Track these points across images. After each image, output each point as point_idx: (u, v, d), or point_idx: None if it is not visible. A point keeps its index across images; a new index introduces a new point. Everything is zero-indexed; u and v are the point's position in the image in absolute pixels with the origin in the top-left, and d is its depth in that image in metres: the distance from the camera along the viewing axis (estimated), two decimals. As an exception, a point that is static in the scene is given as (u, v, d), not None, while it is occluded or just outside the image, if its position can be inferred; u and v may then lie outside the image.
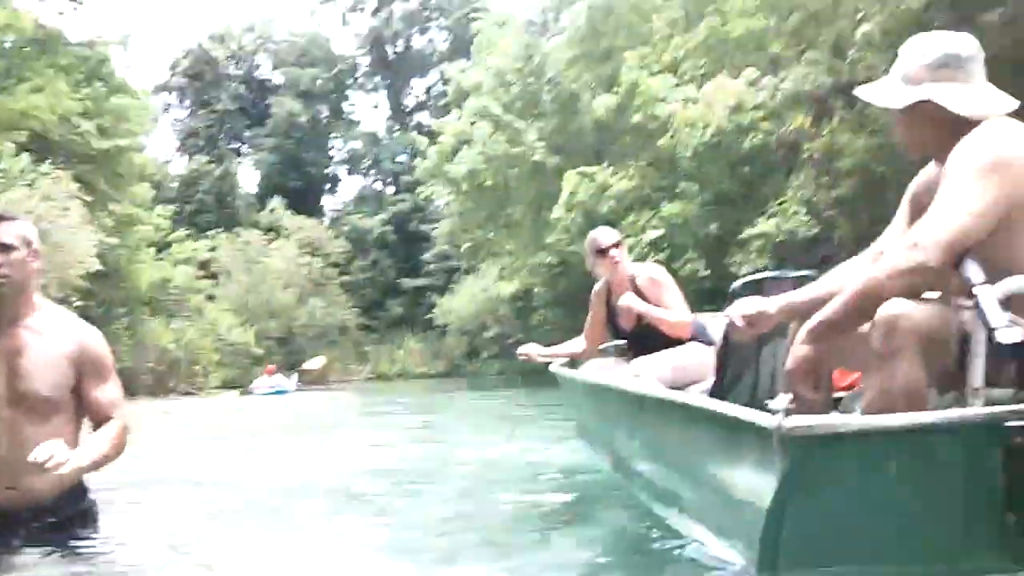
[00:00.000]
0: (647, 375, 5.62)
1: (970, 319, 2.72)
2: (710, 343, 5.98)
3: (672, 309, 5.87)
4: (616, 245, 6.09)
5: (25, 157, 22.58)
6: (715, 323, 6.61)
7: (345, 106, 62.37)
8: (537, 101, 30.50)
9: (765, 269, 14.49)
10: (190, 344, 32.67)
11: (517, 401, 15.79)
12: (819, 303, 3.17)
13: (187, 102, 58.66)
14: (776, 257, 16.84)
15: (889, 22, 13.69)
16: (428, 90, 61.92)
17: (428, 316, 46.21)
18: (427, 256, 51.21)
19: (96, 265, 23.11)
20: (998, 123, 2.90)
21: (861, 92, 3.31)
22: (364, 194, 59.43)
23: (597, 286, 6.28)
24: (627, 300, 5.78)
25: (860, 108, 15.74)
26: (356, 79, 62.27)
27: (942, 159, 2.99)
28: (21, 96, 25.83)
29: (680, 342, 5.81)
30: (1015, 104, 2.99)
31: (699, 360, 5.71)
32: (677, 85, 21.29)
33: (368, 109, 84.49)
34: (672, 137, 19.97)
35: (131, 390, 26.07)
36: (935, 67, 3.07)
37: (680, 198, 20.97)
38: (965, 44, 3.10)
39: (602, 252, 6.06)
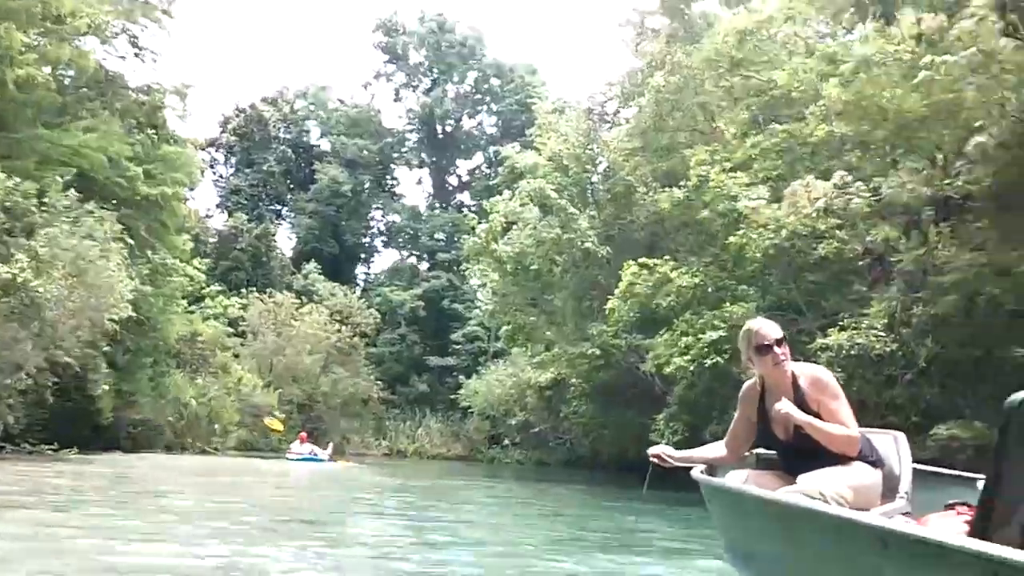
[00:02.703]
0: (831, 497, 4.76)
1: None
2: (876, 463, 5.21)
3: (838, 420, 5.04)
4: (780, 341, 5.23)
5: (72, 194, 22.00)
6: (882, 441, 5.71)
7: (388, 179, 62.38)
8: (592, 189, 30.15)
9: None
10: (213, 401, 31.76)
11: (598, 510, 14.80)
12: None
13: (233, 160, 58.80)
14: (844, 372, 15.97)
15: (1007, 134, 12.91)
16: (472, 171, 62.07)
17: (452, 396, 45.42)
18: (456, 336, 50.55)
19: (128, 311, 22.37)
20: None
21: None
22: (399, 267, 59.00)
23: (748, 383, 5.39)
24: (785, 407, 4.96)
25: (955, 223, 14.94)
26: (402, 153, 62.40)
27: None
28: (74, 134, 25.43)
29: (841, 459, 4.97)
30: None
31: (872, 481, 5.01)
32: (749, 184, 20.61)
33: (411, 184, 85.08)
34: (742, 236, 19.17)
35: (148, 443, 25.71)
36: None
37: (742, 299, 20.15)
38: None
39: (765, 348, 5.20)
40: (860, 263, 18.15)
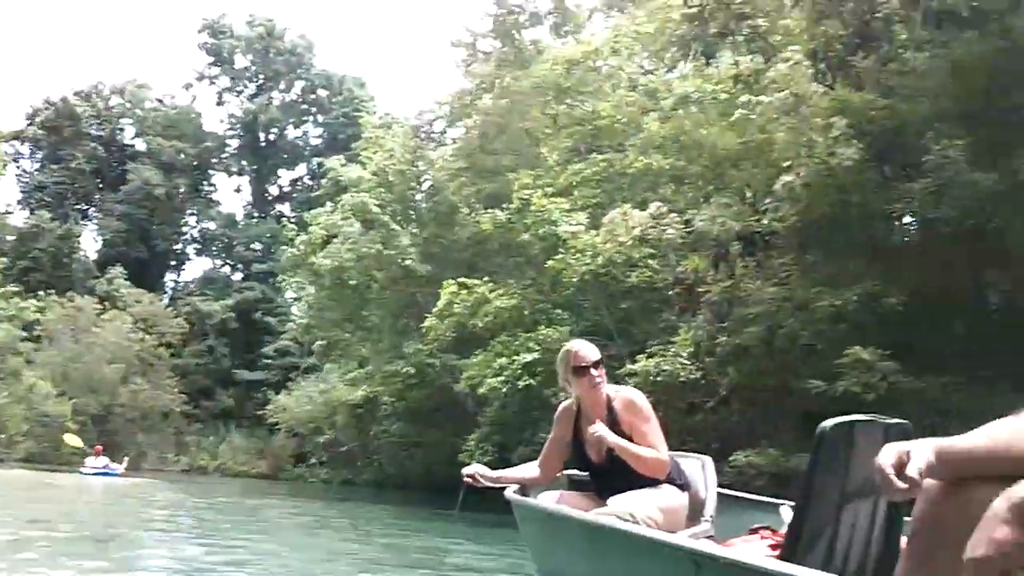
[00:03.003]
0: (641, 519, 4.81)
1: None
2: (684, 487, 5.31)
3: (649, 443, 5.12)
4: (598, 364, 5.29)
5: None
6: (690, 464, 5.82)
7: (205, 185, 60.45)
8: (415, 206, 30.05)
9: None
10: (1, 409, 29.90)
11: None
12: (1001, 458, 2.43)
13: (39, 155, 55.71)
14: (651, 398, 16.33)
15: (813, 175, 13.56)
16: (295, 182, 60.93)
17: (259, 412, 44.07)
18: (268, 349, 49.26)
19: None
20: None
21: None
22: (211, 276, 57.10)
23: (564, 404, 5.44)
24: (599, 430, 5.02)
25: (760, 258, 15.58)
26: (222, 159, 60.56)
27: None
28: None
29: (651, 481, 5.08)
30: None
31: (680, 504, 5.17)
32: (570, 210, 20.96)
33: (229, 192, 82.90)
34: (561, 260, 19.46)
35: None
36: None
37: (558, 323, 20.45)
38: None
39: (582, 370, 5.25)
40: (670, 292, 18.67)
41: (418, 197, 30.33)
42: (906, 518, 4.16)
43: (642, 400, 5.24)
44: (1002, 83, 13.12)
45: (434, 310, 22.60)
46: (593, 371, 5.17)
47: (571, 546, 5.14)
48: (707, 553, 3.53)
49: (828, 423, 3.63)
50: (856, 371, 12.10)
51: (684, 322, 17.31)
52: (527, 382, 19.33)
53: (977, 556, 2.09)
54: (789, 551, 3.62)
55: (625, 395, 5.26)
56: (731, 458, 13.62)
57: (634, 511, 4.83)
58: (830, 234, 14.65)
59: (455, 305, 21.78)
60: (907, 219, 13.22)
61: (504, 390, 19.83)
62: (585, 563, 4.98)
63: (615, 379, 16.16)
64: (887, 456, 2.64)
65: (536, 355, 19.53)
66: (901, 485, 2.57)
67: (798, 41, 14.44)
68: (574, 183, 22.45)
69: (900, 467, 2.62)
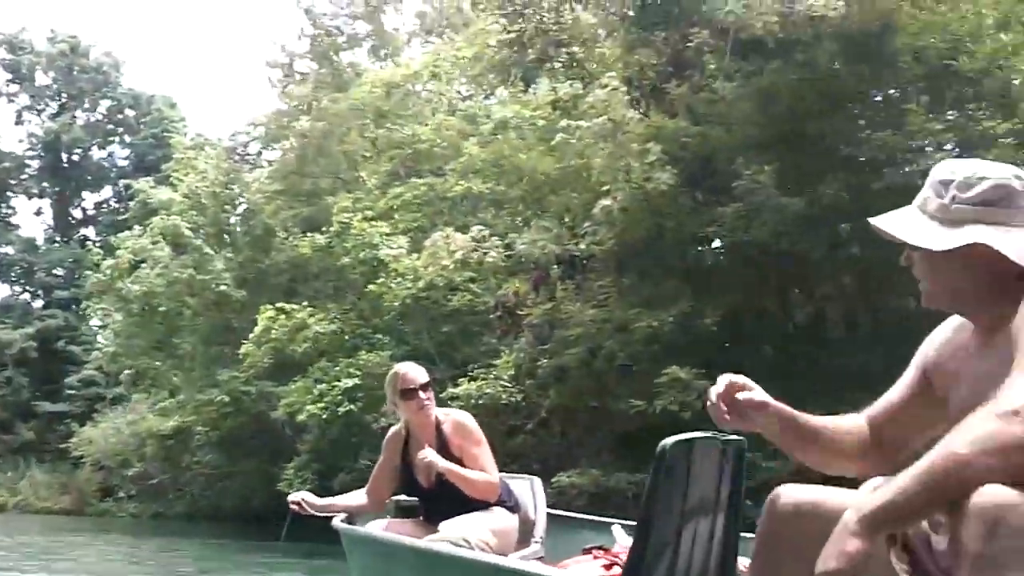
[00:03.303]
0: (475, 543, 4.73)
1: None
2: (514, 508, 5.26)
3: (480, 465, 5.06)
4: (426, 386, 5.22)
5: None
6: (519, 485, 5.78)
7: (3, 208, 56.99)
8: (230, 230, 29.21)
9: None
10: None
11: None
12: (817, 430, 2.73)
13: None
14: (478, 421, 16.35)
15: (629, 200, 13.87)
16: (100, 204, 58.13)
17: (63, 445, 41.75)
18: (72, 380, 46.78)
19: None
20: None
21: (881, 223, 2.63)
22: (9, 303, 53.81)
23: (392, 430, 5.35)
24: (429, 455, 4.94)
25: (580, 281, 15.82)
26: (21, 181, 57.25)
27: (979, 316, 2.48)
28: None
29: (482, 504, 5.03)
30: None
31: (511, 525, 5.13)
32: (390, 234, 20.81)
33: (29, 214, 78.61)
34: (382, 284, 19.26)
35: None
36: (983, 203, 2.45)
37: (379, 348, 20.18)
38: (1020, 177, 2.51)
39: (411, 392, 5.17)
40: (491, 316, 18.75)
41: (232, 220, 29.50)
42: (744, 534, 4.21)
43: (472, 423, 5.19)
44: (806, 112, 13.82)
45: (251, 336, 21.95)
46: (421, 394, 5.09)
47: (404, 575, 5.00)
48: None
49: (669, 440, 3.61)
50: (673, 390, 12.41)
51: (506, 345, 17.39)
52: (347, 408, 19.00)
53: (829, 569, 2.07)
54: (632, 571, 3.58)
55: (455, 418, 5.20)
56: (553, 479, 13.70)
57: (467, 535, 4.76)
58: (646, 257, 15.03)
59: (272, 331, 21.22)
60: (718, 242, 13.63)
61: (324, 416, 19.41)
62: None
63: (439, 403, 16.05)
64: (718, 385, 2.74)
65: (357, 380, 19.22)
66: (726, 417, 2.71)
67: (614, 68, 14.78)
68: (394, 207, 22.31)
69: (730, 396, 2.70)
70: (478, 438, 5.08)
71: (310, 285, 24.75)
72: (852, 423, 2.89)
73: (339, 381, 19.55)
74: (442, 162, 22.66)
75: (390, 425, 5.54)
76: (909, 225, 2.51)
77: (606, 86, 13.88)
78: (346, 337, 20.96)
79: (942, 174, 2.53)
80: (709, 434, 3.98)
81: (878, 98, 15.49)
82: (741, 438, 4.01)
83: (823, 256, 14.69)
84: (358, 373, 19.36)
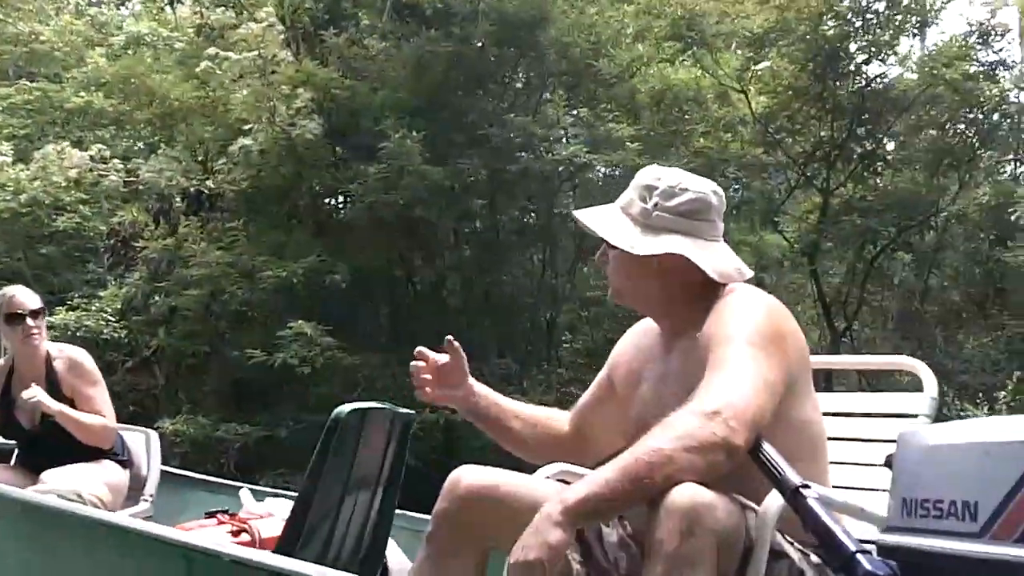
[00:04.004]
0: (88, 498, 4.35)
1: (755, 525, 2.19)
2: (126, 463, 5.03)
3: (95, 408, 4.73)
4: (37, 313, 4.75)
5: None
6: (132, 438, 5.43)
7: None
8: None
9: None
10: None
11: None
12: (520, 417, 2.94)
13: None
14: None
15: (271, 143, 13.42)
16: None
17: None
18: None
19: None
20: (755, 292, 2.54)
21: (584, 218, 2.74)
22: None
23: None
24: (38, 394, 4.58)
25: (205, 219, 15.10)
26: None
27: (664, 320, 2.65)
28: None
29: (91, 453, 4.74)
30: (751, 273, 2.62)
31: (122, 480, 4.92)
32: (-8, 139, 18.61)
33: None
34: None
35: None
36: (682, 214, 2.62)
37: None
38: (717, 193, 2.72)
39: (17, 318, 4.70)
40: (101, 243, 17.38)
41: None
42: (400, 511, 4.17)
43: (88, 360, 4.89)
44: (456, 86, 14.03)
45: None
46: (30, 321, 4.72)
47: (5, 531, 4.46)
48: (200, 547, 3.16)
49: (344, 408, 3.52)
50: (297, 344, 12.15)
51: (115, 276, 16.23)
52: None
53: (530, 559, 2.08)
54: (289, 542, 3.44)
55: (69, 354, 4.90)
56: (155, 425, 13.01)
57: (78, 489, 4.39)
58: (281, 204, 14.62)
59: None
60: (357, 200, 13.54)
61: None
62: (22, 552, 4.33)
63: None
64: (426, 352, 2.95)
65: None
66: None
67: (271, 3, 14.16)
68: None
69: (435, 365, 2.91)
70: (95, 378, 4.83)
71: None
72: (557, 415, 2.97)
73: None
74: (61, 68, 20.64)
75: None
76: (611, 224, 2.60)
77: (261, 21, 13.24)
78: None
79: (647, 179, 2.63)
80: (383, 405, 3.92)
81: (521, 85, 16.08)
82: (411, 412, 4.00)
83: (452, 228, 15.10)
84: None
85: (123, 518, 4.03)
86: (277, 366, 12.08)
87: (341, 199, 15.13)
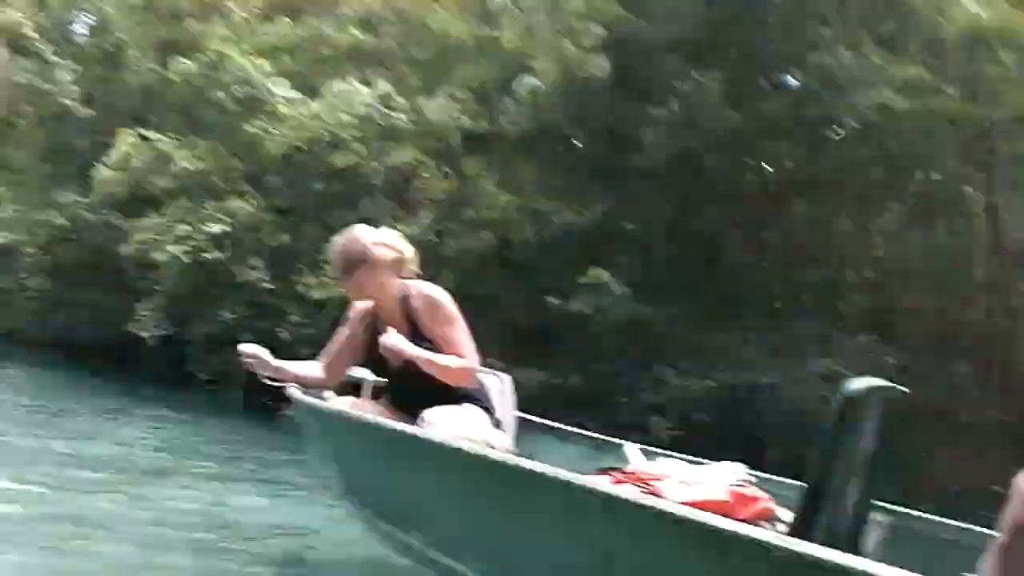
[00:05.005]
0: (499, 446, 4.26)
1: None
2: (488, 409, 4.68)
3: (455, 350, 4.46)
4: (355, 265, 4.56)
5: None
6: (488, 381, 5.20)
7: None
8: (76, 41, 26.50)
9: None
10: None
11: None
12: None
13: None
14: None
15: (562, 83, 13.19)
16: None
17: None
18: None
19: None
20: None
21: None
22: None
23: (360, 305, 4.76)
24: (396, 342, 4.36)
25: (494, 164, 15.03)
26: None
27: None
28: None
29: (453, 395, 4.46)
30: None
31: (485, 426, 4.50)
32: (271, 75, 19.23)
33: None
34: (263, 129, 17.89)
35: None
36: None
37: (250, 196, 18.80)
38: None
39: (362, 263, 4.53)
40: (375, 183, 17.54)
41: (81, 29, 26.83)
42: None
43: (444, 297, 4.59)
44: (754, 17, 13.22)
45: (110, 161, 20.05)
46: (385, 267, 4.58)
47: (406, 474, 4.31)
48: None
49: (854, 383, 3.26)
50: (590, 292, 11.99)
51: (393, 217, 16.52)
52: (215, 255, 17.78)
53: None
54: (802, 523, 3.25)
55: (426, 292, 4.58)
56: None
57: (487, 438, 4.30)
58: (566, 147, 14.43)
59: (133, 159, 19.49)
60: (649, 144, 13.14)
61: (186, 260, 18.03)
62: (420, 490, 4.22)
63: (314, 266, 15.17)
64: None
65: (225, 227, 17.97)
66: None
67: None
68: (277, 47, 20.62)
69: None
70: (452, 315, 4.53)
71: (164, 115, 22.75)
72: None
73: (204, 225, 18.18)
74: (331, 5, 21.13)
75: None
76: None
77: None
78: (215, 178, 19.39)
79: None
80: (887, 383, 3.50)
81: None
82: (903, 388, 3.50)
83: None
84: (228, 220, 18.09)
85: (544, 468, 3.67)
86: (574, 313, 11.96)
87: (633, 144, 14.72)
